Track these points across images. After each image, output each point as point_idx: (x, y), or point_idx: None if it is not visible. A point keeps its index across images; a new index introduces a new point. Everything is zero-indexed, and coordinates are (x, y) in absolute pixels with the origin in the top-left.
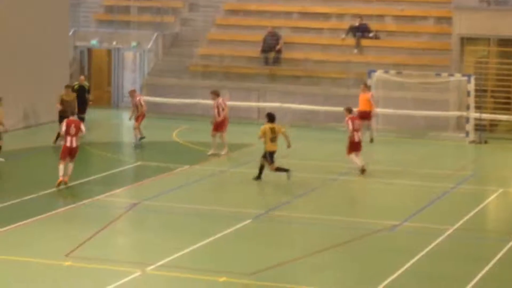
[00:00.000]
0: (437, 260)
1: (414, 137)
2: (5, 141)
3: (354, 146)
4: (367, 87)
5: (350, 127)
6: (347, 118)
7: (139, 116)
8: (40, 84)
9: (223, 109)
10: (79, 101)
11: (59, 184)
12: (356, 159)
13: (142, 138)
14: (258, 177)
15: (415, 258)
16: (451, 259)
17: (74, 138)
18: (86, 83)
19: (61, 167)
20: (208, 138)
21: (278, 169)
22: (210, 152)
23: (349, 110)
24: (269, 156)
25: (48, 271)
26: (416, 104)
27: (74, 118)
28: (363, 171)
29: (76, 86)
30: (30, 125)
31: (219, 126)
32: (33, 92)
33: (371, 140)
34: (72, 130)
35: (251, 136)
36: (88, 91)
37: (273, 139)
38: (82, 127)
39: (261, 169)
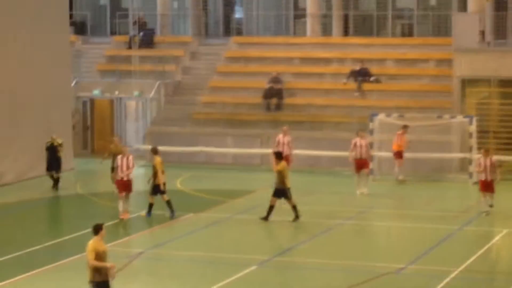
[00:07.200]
0: None
1: (418, 180)
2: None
3: None
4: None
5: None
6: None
7: None
8: (43, 135)
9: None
10: (52, 159)
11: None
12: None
13: None
14: (266, 218)
15: None
16: None
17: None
18: (58, 141)
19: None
20: (211, 185)
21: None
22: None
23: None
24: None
25: None
26: (419, 146)
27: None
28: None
29: (48, 144)
30: (34, 176)
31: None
32: (37, 143)
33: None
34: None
35: (255, 182)
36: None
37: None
38: None
39: (270, 209)
